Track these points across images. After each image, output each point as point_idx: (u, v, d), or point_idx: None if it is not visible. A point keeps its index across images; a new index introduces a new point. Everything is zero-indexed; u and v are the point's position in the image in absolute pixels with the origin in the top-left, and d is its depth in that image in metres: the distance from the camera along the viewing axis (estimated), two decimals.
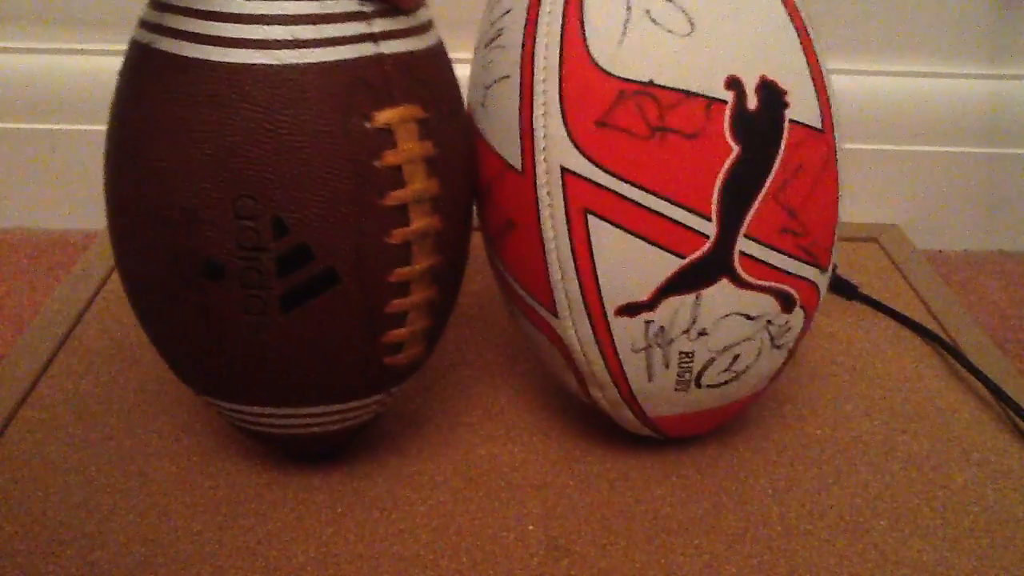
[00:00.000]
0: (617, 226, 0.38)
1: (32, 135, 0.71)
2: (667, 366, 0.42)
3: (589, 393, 0.45)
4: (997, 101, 0.73)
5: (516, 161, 0.40)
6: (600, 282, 0.40)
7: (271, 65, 0.35)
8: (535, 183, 0.40)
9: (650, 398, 0.43)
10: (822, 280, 0.43)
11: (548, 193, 0.39)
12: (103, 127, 0.72)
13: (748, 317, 0.41)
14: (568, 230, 0.39)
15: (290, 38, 0.35)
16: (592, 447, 0.49)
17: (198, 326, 0.38)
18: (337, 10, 0.36)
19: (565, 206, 0.39)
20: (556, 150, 0.39)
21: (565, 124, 0.39)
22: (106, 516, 0.43)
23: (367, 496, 0.45)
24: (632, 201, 0.38)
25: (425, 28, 0.40)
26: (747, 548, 0.43)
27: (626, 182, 0.38)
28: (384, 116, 0.36)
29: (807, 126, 0.40)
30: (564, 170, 0.39)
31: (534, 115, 0.39)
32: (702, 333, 0.40)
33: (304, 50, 0.35)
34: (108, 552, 0.41)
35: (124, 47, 0.76)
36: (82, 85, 0.70)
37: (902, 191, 0.75)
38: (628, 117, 0.38)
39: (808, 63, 0.40)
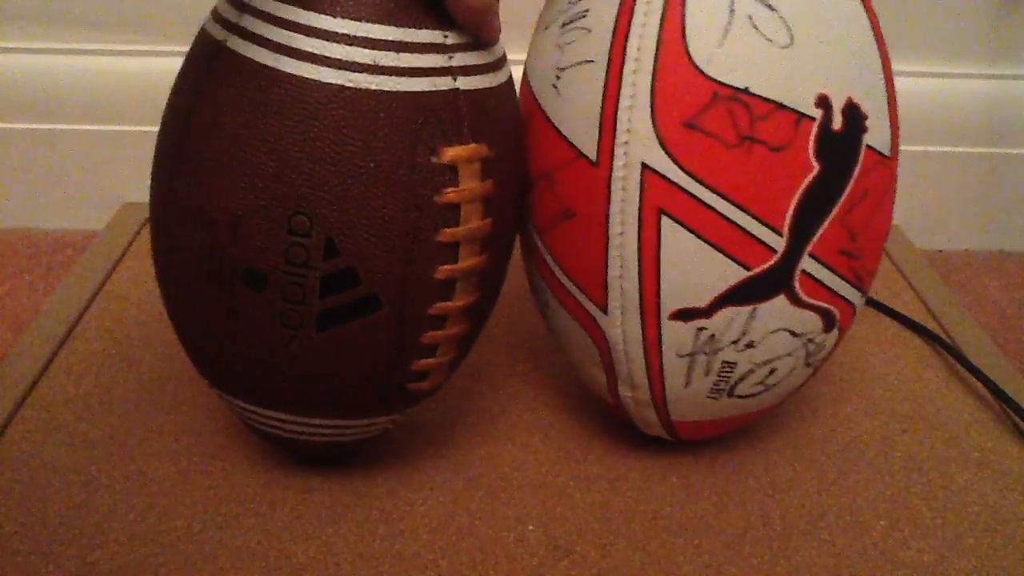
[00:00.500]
0: (690, 230, 0.38)
1: (32, 135, 0.71)
2: (707, 374, 0.41)
3: (617, 392, 0.44)
4: (997, 101, 0.73)
5: (591, 151, 0.39)
6: (661, 283, 0.39)
7: (346, 87, 0.34)
8: (610, 176, 0.39)
9: (680, 403, 0.43)
10: (860, 303, 0.43)
11: (623, 188, 0.38)
12: (103, 127, 0.72)
13: (794, 334, 0.41)
14: (638, 228, 0.38)
15: (370, 63, 0.35)
16: (592, 447, 0.49)
17: (227, 328, 0.38)
18: (419, 40, 0.35)
19: (639, 203, 0.38)
20: (639, 145, 0.38)
21: (653, 120, 0.37)
22: (106, 516, 0.43)
23: (367, 496, 0.45)
24: (709, 207, 0.37)
25: (499, 64, 0.39)
26: (747, 548, 0.43)
27: (706, 187, 0.37)
28: (451, 153, 0.36)
29: (878, 152, 0.40)
30: (644, 166, 0.38)
31: (619, 106, 0.38)
32: (749, 345, 0.40)
33: (383, 77, 0.35)
34: (108, 552, 0.41)
35: (123, 47, 0.76)
36: (82, 85, 0.70)
37: (902, 191, 0.75)
38: (719, 122, 0.37)
39: (886, 90, 0.41)
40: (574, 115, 0.40)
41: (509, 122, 0.40)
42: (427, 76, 0.36)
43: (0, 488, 0.45)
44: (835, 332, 0.43)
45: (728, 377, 0.42)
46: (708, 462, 0.48)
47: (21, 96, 0.70)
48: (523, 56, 0.46)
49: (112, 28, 0.70)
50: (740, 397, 0.43)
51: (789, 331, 0.40)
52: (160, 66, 0.69)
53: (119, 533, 0.42)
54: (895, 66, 0.72)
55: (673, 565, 0.42)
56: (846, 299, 0.42)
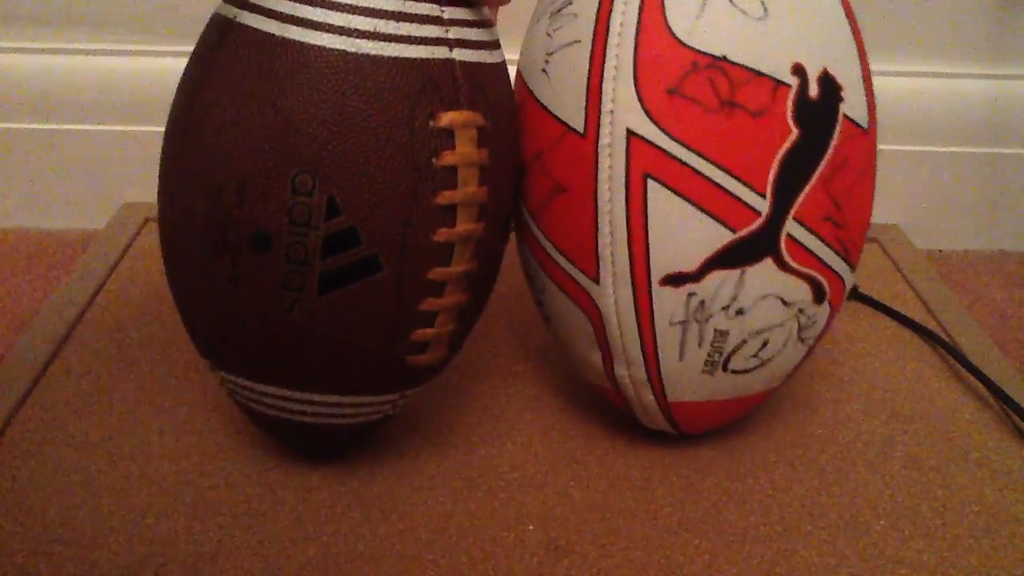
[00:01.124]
0: (675, 192, 0.39)
1: (32, 135, 0.71)
2: (700, 344, 0.42)
3: (613, 371, 0.44)
4: (997, 101, 0.73)
5: (578, 124, 0.41)
6: (650, 248, 0.40)
7: (348, 52, 0.36)
8: (597, 145, 0.40)
9: (676, 379, 0.43)
10: (848, 279, 0.44)
11: (609, 155, 0.40)
12: (104, 127, 0.72)
13: (784, 302, 0.41)
14: (626, 193, 0.40)
15: (371, 30, 0.36)
16: (592, 447, 0.49)
17: (229, 296, 0.38)
18: (417, 11, 0.37)
19: (626, 169, 0.39)
20: (624, 112, 0.39)
21: (636, 88, 0.39)
22: (106, 516, 0.43)
23: (367, 496, 0.45)
24: (693, 169, 0.39)
25: (494, 45, 0.41)
26: (747, 548, 0.43)
27: (690, 150, 0.39)
28: (448, 117, 0.37)
29: (856, 123, 0.41)
30: (630, 133, 0.39)
31: (604, 77, 0.40)
32: (740, 312, 0.41)
33: (383, 43, 0.36)
34: (108, 552, 0.41)
35: (123, 47, 0.76)
36: (82, 85, 0.70)
37: (902, 191, 0.75)
38: (700, 88, 0.39)
39: (860, 65, 0.42)
40: (562, 92, 0.41)
41: (503, 99, 0.41)
42: (425, 45, 0.37)
43: (0, 488, 0.45)
44: (826, 306, 0.43)
45: (721, 348, 0.42)
46: (708, 462, 0.48)
47: (21, 96, 0.70)
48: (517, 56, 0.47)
49: (112, 28, 0.70)
50: (735, 372, 0.43)
51: (779, 298, 0.41)
52: (160, 66, 0.69)
53: (119, 533, 0.42)
54: (895, 66, 0.72)
55: (673, 565, 0.42)
56: (834, 270, 0.42)
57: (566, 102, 0.41)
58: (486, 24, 0.40)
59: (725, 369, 0.43)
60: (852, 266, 0.44)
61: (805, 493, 0.47)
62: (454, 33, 0.38)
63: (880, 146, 0.73)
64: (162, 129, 0.72)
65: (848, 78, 0.41)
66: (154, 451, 0.47)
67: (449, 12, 0.38)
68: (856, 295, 0.64)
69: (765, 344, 0.42)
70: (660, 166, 0.39)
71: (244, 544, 0.42)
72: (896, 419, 0.52)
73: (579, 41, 0.41)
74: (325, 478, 0.46)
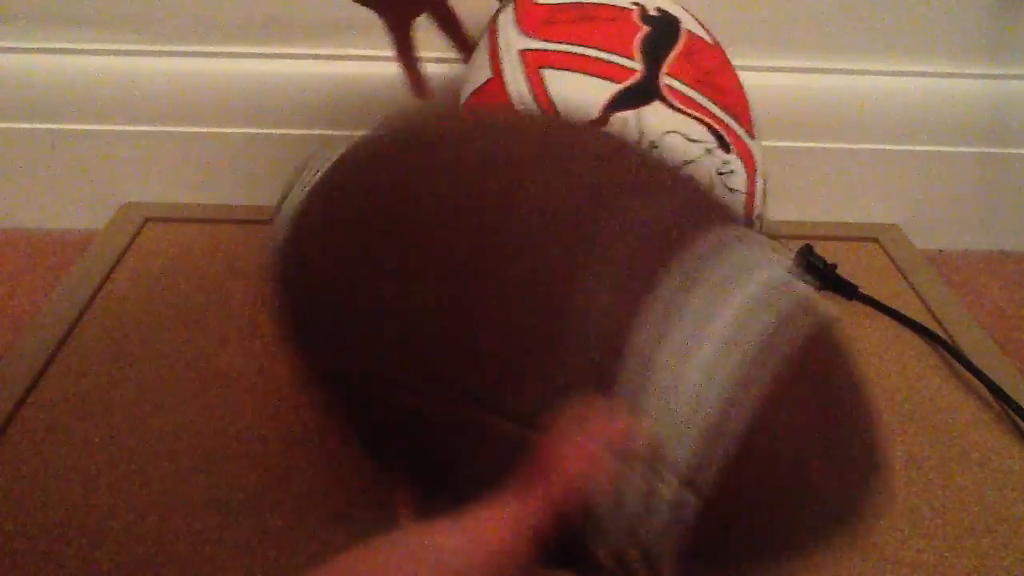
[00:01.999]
0: (564, 69, 0.48)
1: (32, 135, 0.71)
2: None
3: None
4: (997, 101, 0.73)
5: (492, 71, 0.51)
6: (558, 111, 0.48)
7: None
8: (501, 71, 0.50)
9: None
10: (753, 145, 0.50)
11: (511, 67, 0.49)
12: (102, 127, 0.72)
13: (688, 138, 0.48)
14: (528, 83, 0.49)
15: None
16: None
17: None
18: None
19: (523, 69, 0.49)
20: (513, 41, 0.50)
21: (519, 29, 0.50)
22: (106, 516, 0.43)
23: (368, 496, 0.45)
24: (572, 53, 0.49)
25: None
26: None
27: (566, 43, 0.49)
28: None
29: (700, 37, 0.51)
30: (519, 51, 0.50)
31: (499, 43, 0.51)
32: (653, 145, 0.47)
33: None
34: (108, 552, 0.41)
35: (124, 47, 0.76)
36: (82, 85, 0.70)
37: (902, 191, 0.75)
38: (566, 14, 0.50)
39: (690, 14, 0.53)
40: (475, 70, 0.53)
41: None
42: None
43: (0, 488, 0.45)
44: (737, 160, 0.48)
45: None
46: None
47: (21, 96, 0.70)
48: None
49: (112, 28, 0.70)
50: None
51: (682, 135, 0.47)
52: (160, 66, 0.69)
53: (119, 533, 0.42)
54: (895, 66, 0.72)
55: None
56: (727, 123, 0.48)
57: (479, 74, 0.52)
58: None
59: None
60: (747, 129, 0.50)
61: None
62: None
63: (881, 146, 0.73)
64: (162, 129, 0.72)
65: (681, 14, 0.51)
66: (154, 451, 0.47)
67: None
68: (856, 295, 0.64)
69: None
70: (547, 58, 0.49)
71: (244, 544, 0.42)
72: (896, 419, 0.52)
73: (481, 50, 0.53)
74: (326, 479, 0.46)
